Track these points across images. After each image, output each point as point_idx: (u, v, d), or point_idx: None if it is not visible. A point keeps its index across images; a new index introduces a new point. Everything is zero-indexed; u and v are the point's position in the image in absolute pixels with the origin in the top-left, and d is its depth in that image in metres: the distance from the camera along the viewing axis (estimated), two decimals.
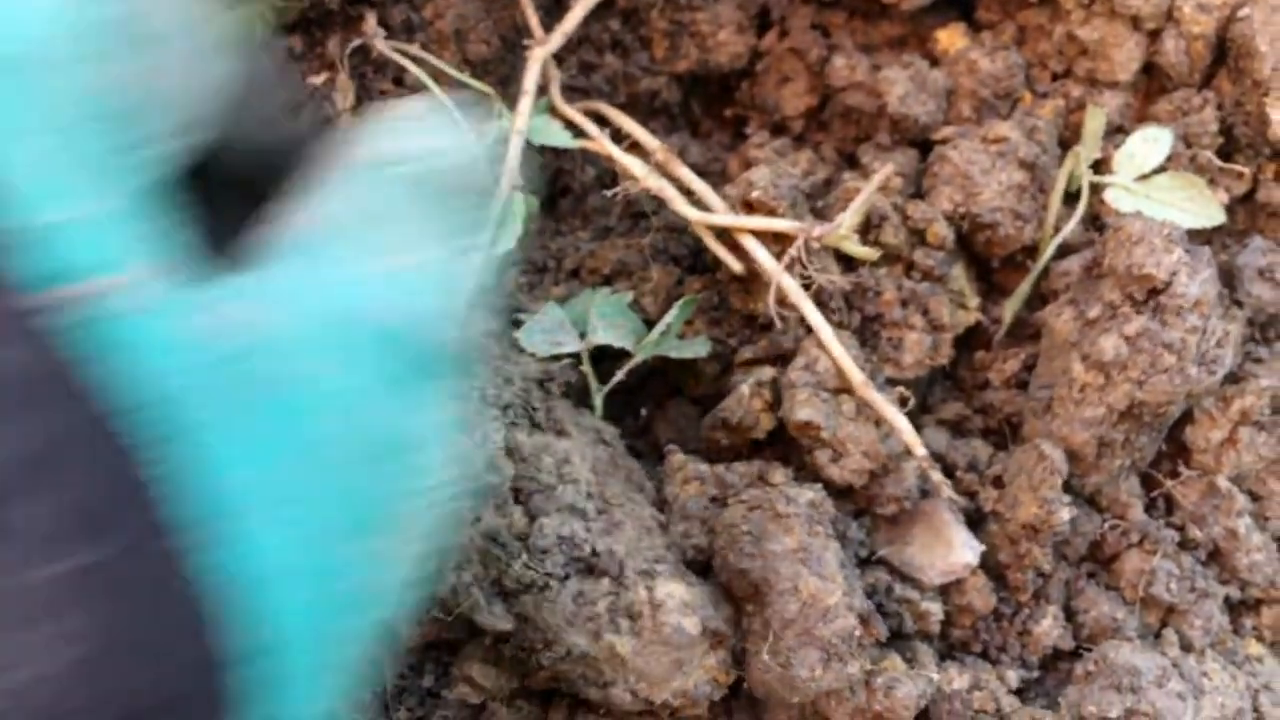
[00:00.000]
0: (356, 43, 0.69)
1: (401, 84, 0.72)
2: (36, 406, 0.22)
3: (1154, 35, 0.67)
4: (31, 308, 0.23)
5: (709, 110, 0.82)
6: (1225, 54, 0.66)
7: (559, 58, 0.80)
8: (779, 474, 0.59)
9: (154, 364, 0.24)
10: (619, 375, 0.63)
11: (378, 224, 0.29)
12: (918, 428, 0.65)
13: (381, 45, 0.68)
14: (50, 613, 0.22)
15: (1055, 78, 0.71)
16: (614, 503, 0.55)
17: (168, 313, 0.24)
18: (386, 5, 0.69)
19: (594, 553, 0.52)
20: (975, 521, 0.61)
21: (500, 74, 0.77)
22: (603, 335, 0.63)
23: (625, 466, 0.59)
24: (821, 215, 0.65)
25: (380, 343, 0.27)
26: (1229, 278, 0.65)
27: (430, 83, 0.68)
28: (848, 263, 0.67)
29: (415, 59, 0.71)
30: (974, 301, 0.68)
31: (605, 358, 0.70)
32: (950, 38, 0.74)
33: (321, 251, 0.28)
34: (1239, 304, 0.65)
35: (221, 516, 0.24)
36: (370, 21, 0.68)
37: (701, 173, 0.74)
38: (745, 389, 0.61)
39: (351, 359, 0.27)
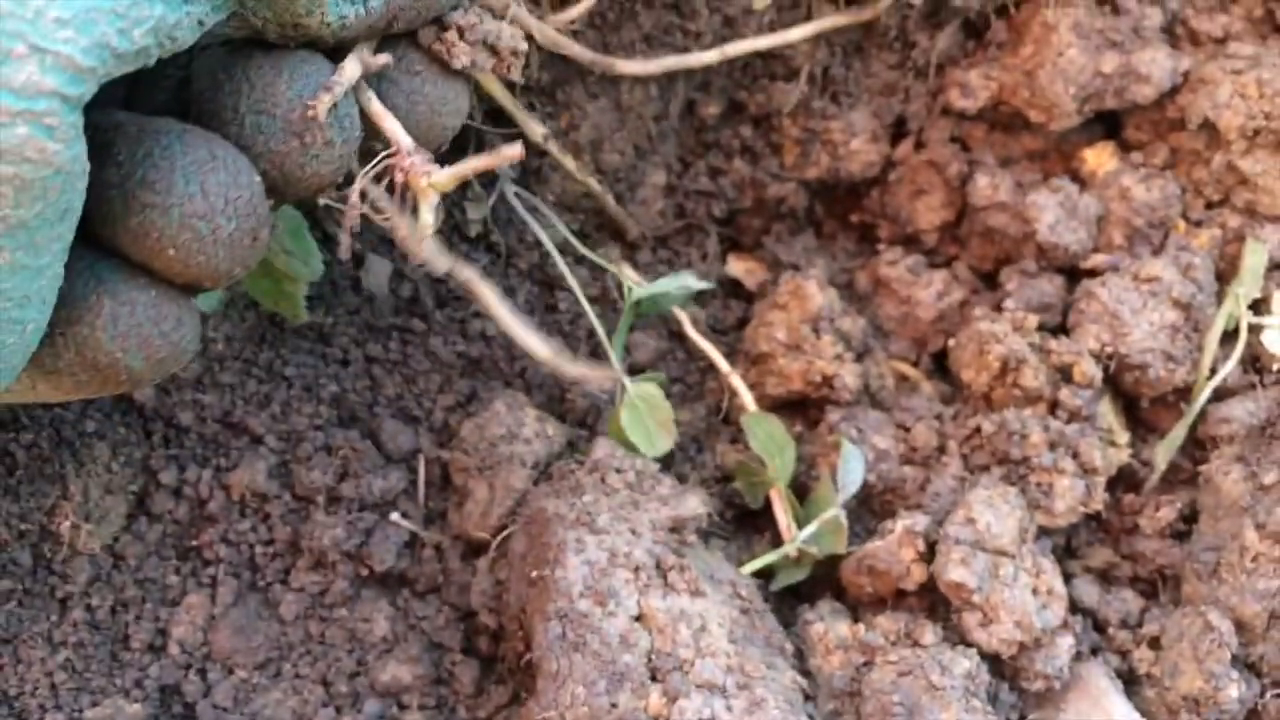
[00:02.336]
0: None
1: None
2: None
3: None
4: None
5: (834, 214, 0.80)
6: None
7: (685, 161, 0.79)
8: (929, 633, 0.57)
9: None
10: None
11: None
12: (1067, 577, 0.62)
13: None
14: None
15: (1210, 205, 0.68)
16: (754, 675, 0.52)
17: None
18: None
19: None
20: (1129, 682, 0.59)
21: (631, 181, 0.76)
22: None
23: (764, 627, 0.56)
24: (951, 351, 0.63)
25: None
26: None
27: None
28: (988, 402, 0.65)
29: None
30: (1124, 438, 0.66)
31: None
32: (1099, 158, 0.71)
33: None
34: None
35: None
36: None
37: (832, 283, 0.73)
38: (896, 535, 0.59)
39: None
